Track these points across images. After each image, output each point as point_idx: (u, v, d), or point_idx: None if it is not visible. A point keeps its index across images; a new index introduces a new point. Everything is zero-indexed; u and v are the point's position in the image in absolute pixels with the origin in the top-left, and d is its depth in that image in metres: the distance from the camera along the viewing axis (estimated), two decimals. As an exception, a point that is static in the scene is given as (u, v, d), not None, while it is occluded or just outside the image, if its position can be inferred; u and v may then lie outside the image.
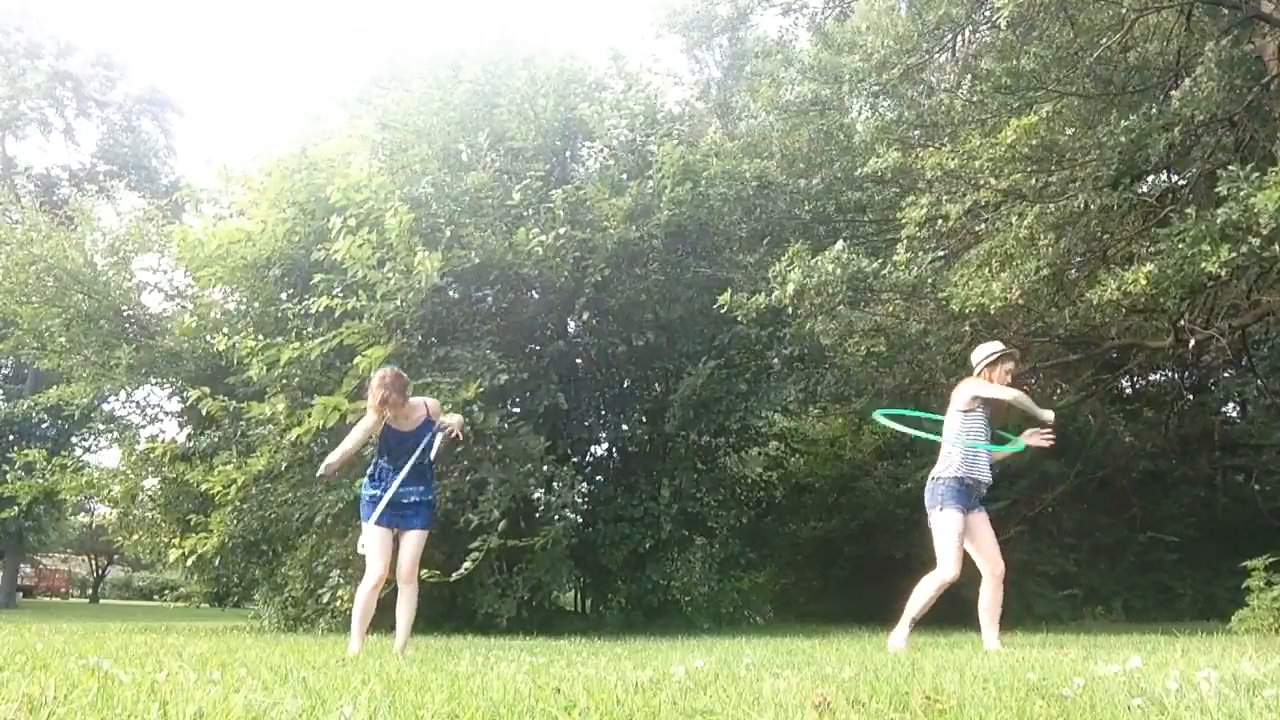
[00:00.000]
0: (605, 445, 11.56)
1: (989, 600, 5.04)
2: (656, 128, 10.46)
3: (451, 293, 9.74)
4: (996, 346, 5.31)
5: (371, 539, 5.08)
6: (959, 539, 4.95)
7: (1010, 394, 5.09)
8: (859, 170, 9.54)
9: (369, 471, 5.24)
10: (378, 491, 5.07)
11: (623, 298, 10.04)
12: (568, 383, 10.48)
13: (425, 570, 8.31)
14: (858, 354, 10.82)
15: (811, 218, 11.32)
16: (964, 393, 5.18)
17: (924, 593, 4.99)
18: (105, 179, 27.61)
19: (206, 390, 9.43)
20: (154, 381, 11.84)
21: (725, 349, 10.36)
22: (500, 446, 8.75)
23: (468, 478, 8.57)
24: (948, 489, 5.04)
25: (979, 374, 5.26)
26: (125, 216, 12.08)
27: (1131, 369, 12.84)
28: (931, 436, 5.46)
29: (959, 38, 9.81)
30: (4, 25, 27.50)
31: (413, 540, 5.13)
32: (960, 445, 5.07)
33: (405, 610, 5.16)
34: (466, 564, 8.06)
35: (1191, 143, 8.50)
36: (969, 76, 9.38)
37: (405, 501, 5.09)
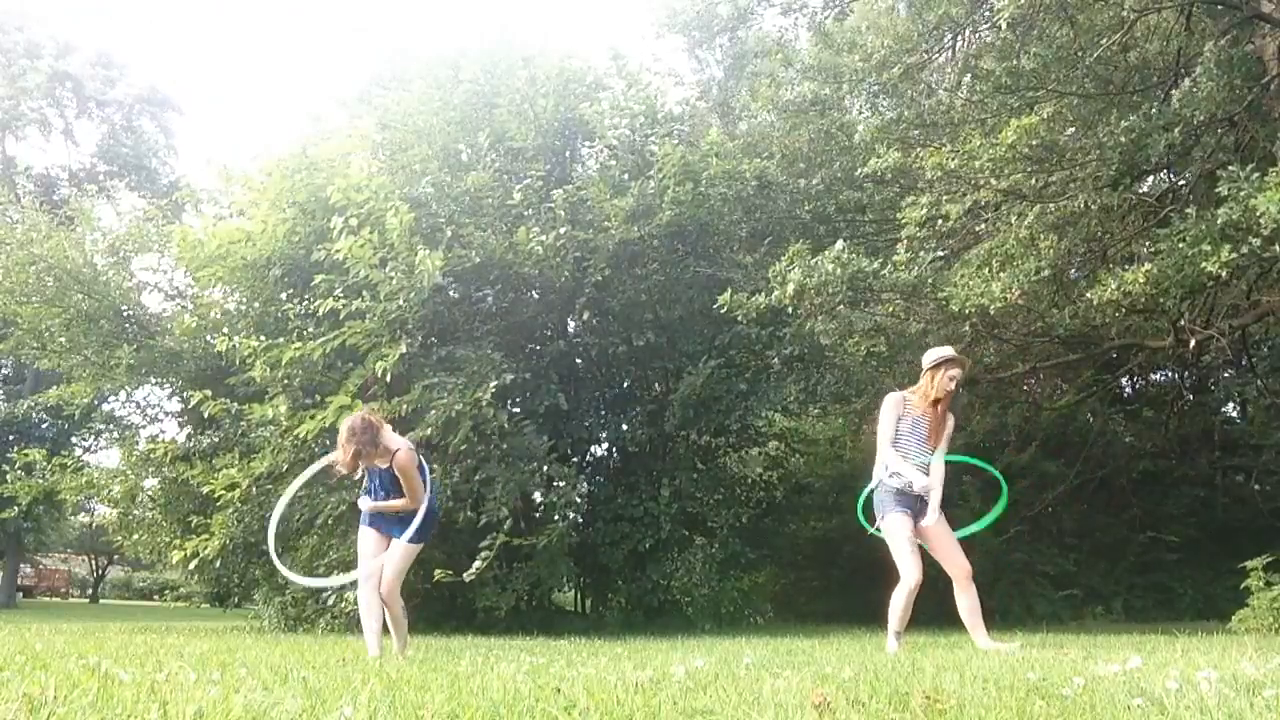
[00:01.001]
0: (605, 445, 11.56)
1: (966, 604, 4.96)
2: (657, 128, 10.46)
3: (452, 293, 9.74)
4: (945, 352, 5.12)
5: (361, 539, 5.10)
6: (909, 542, 4.86)
7: (885, 456, 5.00)
8: (859, 170, 9.54)
9: (364, 486, 5.24)
10: (367, 498, 5.12)
11: (623, 298, 10.04)
12: (568, 383, 10.49)
13: (439, 571, 8.35)
14: (858, 354, 10.82)
15: (811, 218, 11.31)
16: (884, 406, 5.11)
17: (896, 604, 4.93)
18: (105, 179, 27.65)
19: (208, 393, 9.43)
20: (154, 382, 11.84)
21: (725, 349, 10.36)
22: (505, 446, 8.76)
23: (477, 476, 8.58)
24: (886, 495, 4.97)
25: (923, 375, 5.09)
26: (125, 216, 12.08)
27: (1131, 369, 12.84)
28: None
29: (959, 38, 9.80)
30: (4, 25, 27.51)
31: (395, 552, 4.99)
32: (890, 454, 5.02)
33: (394, 626, 5.07)
34: (477, 563, 8.06)
35: (1191, 143, 8.50)
36: (969, 76, 9.38)
37: (385, 519, 5.09)
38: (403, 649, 5.09)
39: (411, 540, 4.99)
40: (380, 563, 5.01)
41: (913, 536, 4.89)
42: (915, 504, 4.97)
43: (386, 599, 4.97)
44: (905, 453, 5.01)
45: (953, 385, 5.04)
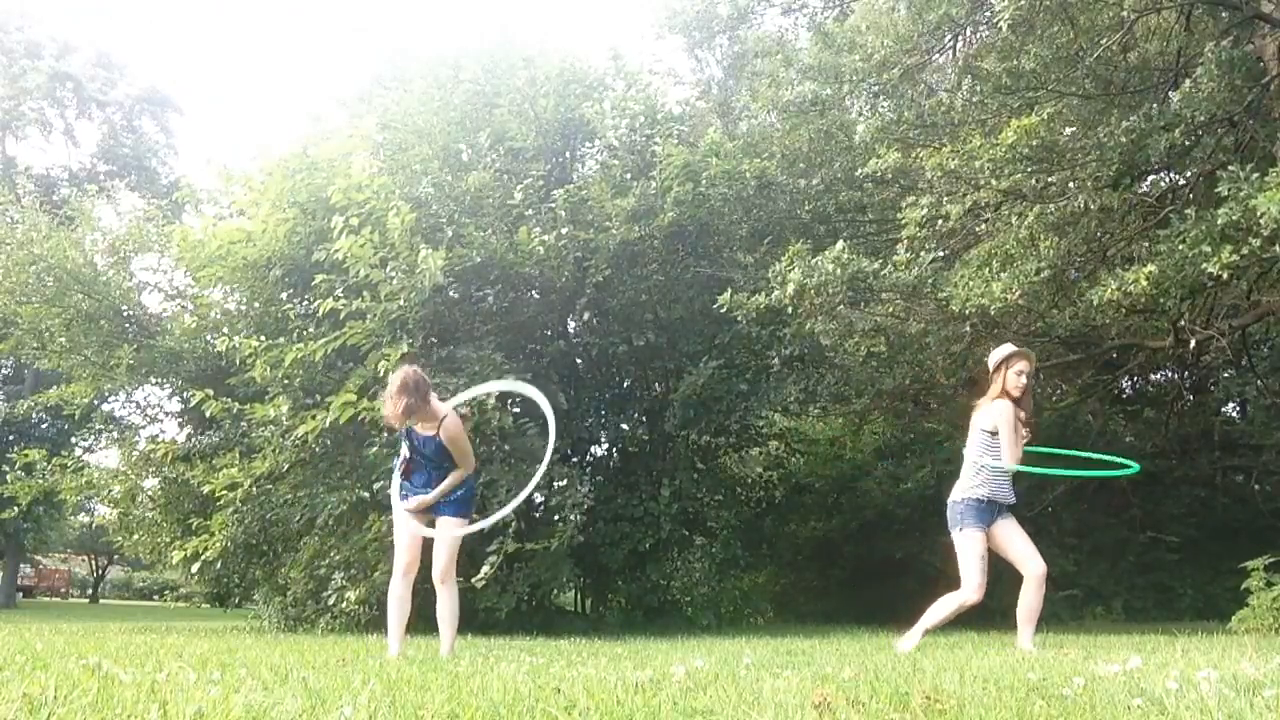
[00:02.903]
0: (605, 445, 11.56)
1: (1030, 602, 4.85)
2: (658, 128, 10.46)
3: (452, 293, 9.74)
4: (1006, 349, 5.07)
5: (399, 530, 4.94)
6: (981, 560, 4.80)
7: (1010, 459, 4.84)
8: (859, 170, 9.53)
9: (399, 468, 5.03)
10: (405, 483, 4.95)
11: (624, 298, 10.03)
12: (568, 383, 10.49)
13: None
14: (858, 354, 10.81)
15: (811, 218, 11.30)
16: (988, 417, 4.95)
17: (943, 609, 4.88)
18: (105, 179, 27.62)
19: (209, 392, 9.42)
20: (154, 382, 11.83)
21: (725, 348, 10.36)
22: (508, 447, 8.76)
23: (481, 480, 8.57)
24: (968, 508, 4.88)
25: (993, 379, 5.03)
26: (125, 216, 12.07)
27: (1131, 369, 12.84)
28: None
29: (959, 38, 9.80)
30: (4, 25, 27.53)
31: (444, 532, 4.82)
32: (985, 466, 4.89)
33: (446, 613, 4.89)
34: (485, 568, 8.05)
35: (1191, 143, 8.48)
36: (969, 77, 9.38)
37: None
38: (451, 646, 4.90)
39: (459, 514, 4.89)
40: (413, 557, 4.86)
41: (985, 554, 4.84)
42: (995, 519, 4.92)
43: (441, 582, 4.82)
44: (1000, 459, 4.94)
45: (1024, 380, 4.97)
